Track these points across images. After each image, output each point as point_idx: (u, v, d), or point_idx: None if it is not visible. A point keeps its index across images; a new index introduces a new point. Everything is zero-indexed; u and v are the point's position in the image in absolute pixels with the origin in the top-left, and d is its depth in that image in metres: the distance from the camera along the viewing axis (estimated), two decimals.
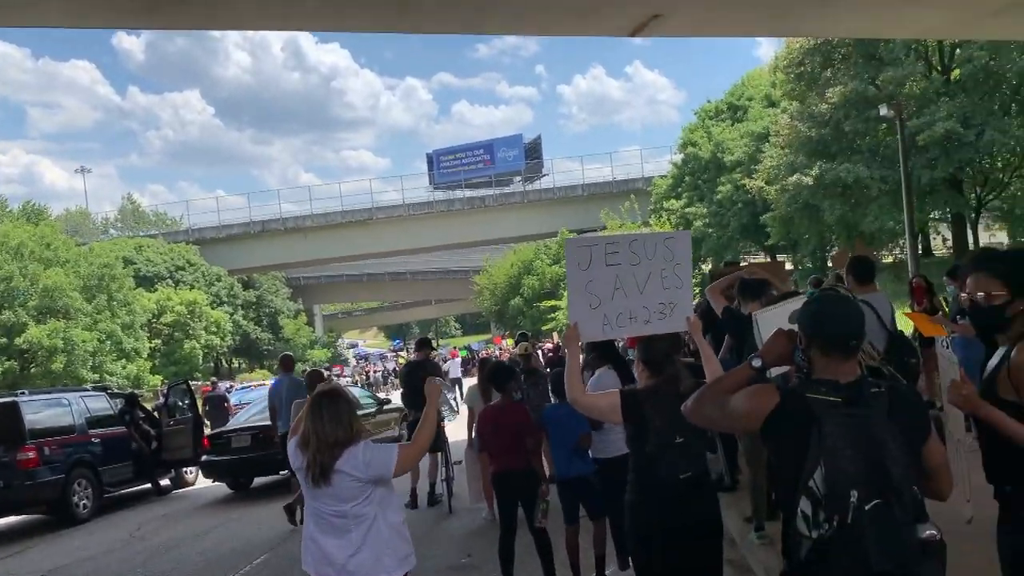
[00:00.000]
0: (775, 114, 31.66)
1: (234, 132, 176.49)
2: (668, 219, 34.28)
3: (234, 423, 14.64)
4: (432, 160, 59.88)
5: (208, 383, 22.73)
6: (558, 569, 5.79)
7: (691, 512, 3.70)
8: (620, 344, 8.75)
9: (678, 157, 40.11)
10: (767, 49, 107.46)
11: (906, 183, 19.09)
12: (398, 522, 3.60)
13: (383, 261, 69.60)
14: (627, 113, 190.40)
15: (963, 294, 2.99)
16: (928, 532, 2.25)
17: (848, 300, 2.65)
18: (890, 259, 29.35)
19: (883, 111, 19.90)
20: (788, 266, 38.81)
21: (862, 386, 2.35)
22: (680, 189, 37.78)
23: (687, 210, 35.52)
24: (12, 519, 12.51)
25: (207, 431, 14.60)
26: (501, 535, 5.88)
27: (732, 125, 36.52)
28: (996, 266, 2.81)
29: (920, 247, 26.04)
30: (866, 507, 2.17)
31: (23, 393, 12.75)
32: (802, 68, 27.26)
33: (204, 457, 13.14)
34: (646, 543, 3.75)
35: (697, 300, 10.95)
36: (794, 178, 25.82)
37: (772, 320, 4.17)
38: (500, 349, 33.29)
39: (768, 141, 30.34)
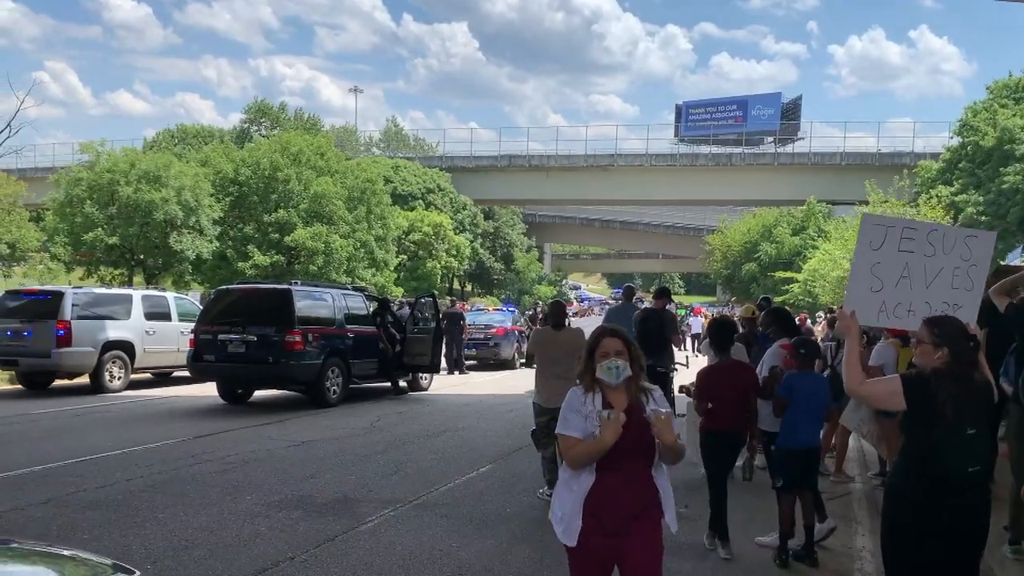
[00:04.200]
0: None
1: (493, 67, 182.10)
2: (936, 204, 31.31)
3: None
4: (681, 112, 58.46)
5: (449, 301, 24.09)
6: (758, 529, 5.71)
7: (970, 509, 3.49)
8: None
9: (954, 141, 36.36)
10: None
11: None
12: None
13: (617, 209, 69.73)
14: (903, 81, 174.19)
15: None
16: None
17: None
18: None
19: None
20: None
21: None
22: (952, 175, 34.34)
23: (957, 198, 32.27)
24: (274, 393, 14.20)
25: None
26: (714, 493, 5.91)
27: None
28: None
29: None
30: None
31: (296, 283, 14.23)
32: None
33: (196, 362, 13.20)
34: (915, 535, 3.53)
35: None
36: None
37: None
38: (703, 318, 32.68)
39: None
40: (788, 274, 39.98)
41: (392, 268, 37.45)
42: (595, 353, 3.37)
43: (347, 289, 15.70)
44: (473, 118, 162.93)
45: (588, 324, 18.63)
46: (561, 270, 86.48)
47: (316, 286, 15.10)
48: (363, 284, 26.68)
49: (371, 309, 14.85)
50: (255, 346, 12.63)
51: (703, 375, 6.10)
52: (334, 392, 13.24)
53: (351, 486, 7.66)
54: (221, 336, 12.87)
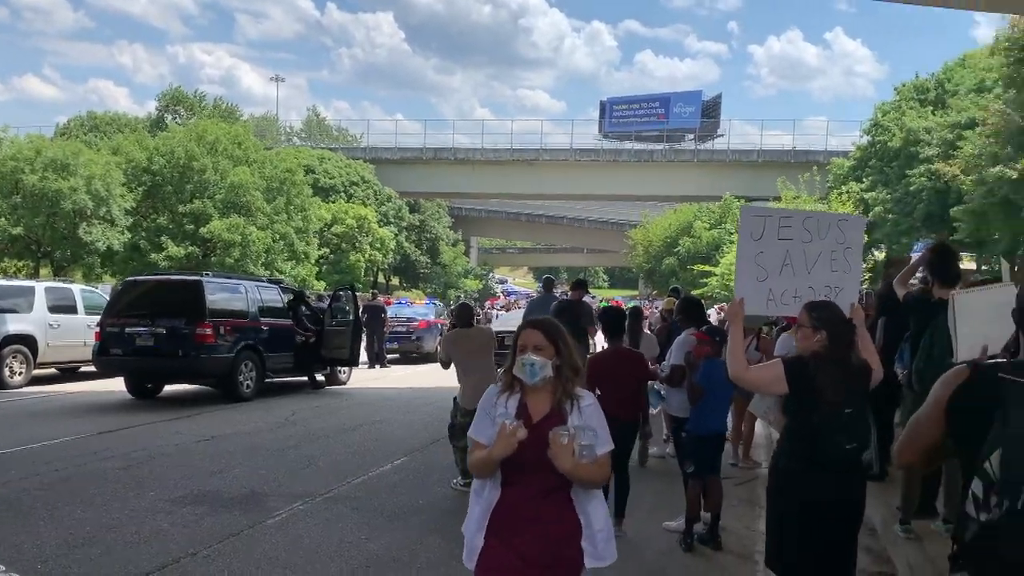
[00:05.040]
0: (985, 101, 29.07)
1: (420, 59, 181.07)
2: (848, 200, 32.42)
3: None
4: (605, 108, 59.07)
5: (370, 294, 23.84)
6: (665, 514, 5.86)
7: (849, 487, 3.64)
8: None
9: (864, 140, 37.72)
10: (985, 31, 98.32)
11: None
12: None
13: (543, 203, 70.17)
14: (819, 81, 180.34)
15: None
16: None
17: None
18: None
19: None
20: (971, 266, 36.02)
21: None
22: (863, 172, 35.60)
23: (867, 194, 33.47)
24: (185, 387, 13.80)
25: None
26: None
27: (934, 112, 33.84)
28: None
29: None
30: None
31: (207, 274, 13.85)
32: None
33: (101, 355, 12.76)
34: (797, 512, 3.66)
35: (870, 287, 10.46)
36: (996, 170, 23.72)
37: (970, 303, 3.95)
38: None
39: (971, 131, 27.96)
40: (706, 268, 40.82)
41: (313, 261, 36.86)
42: (516, 347, 2.94)
43: (262, 281, 15.36)
44: (399, 110, 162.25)
45: (515, 317, 18.69)
46: (487, 264, 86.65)
47: (229, 277, 14.73)
48: (280, 277, 26.17)
49: (287, 301, 14.56)
50: (164, 339, 12.25)
51: (593, 362, 6.17)
52: (248, 386, 12.95)
53: (260, 480, 7.50)
54: (129, 329, 12.44)
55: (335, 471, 7.97)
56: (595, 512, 2.89)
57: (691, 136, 54.55)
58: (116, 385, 13.45)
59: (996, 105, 26.29)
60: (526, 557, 2.79)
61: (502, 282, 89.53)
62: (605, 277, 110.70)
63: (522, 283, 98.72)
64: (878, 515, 6.38)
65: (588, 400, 2.93)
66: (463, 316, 7.75)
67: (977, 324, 3.72)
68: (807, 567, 3.65)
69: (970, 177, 25.98)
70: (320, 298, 19.33)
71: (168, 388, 13.63)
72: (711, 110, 55.98)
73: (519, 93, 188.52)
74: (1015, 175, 23.06)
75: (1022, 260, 19.65)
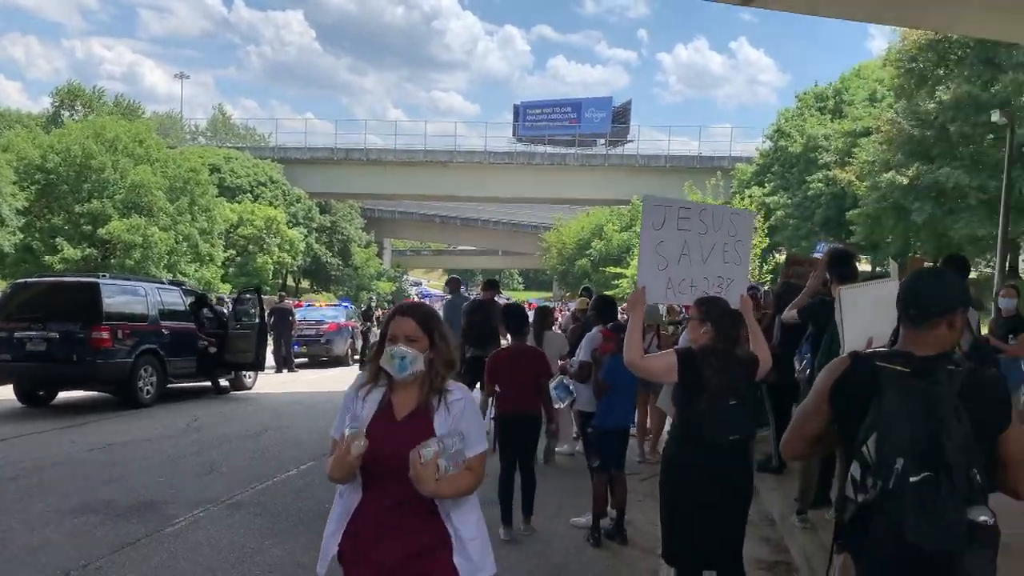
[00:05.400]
0: (879, 110, 30.53)
1: (331, 58, 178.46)
2: (750, 204, 33.54)
3: None
4: (518, 112, 59.46)
5: (277, 297, 23.31)
6: (573, 511, 5.96)
7: (734, 474, 3.79)
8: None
9: (766, 145, 39.11)
10: (879, 42, 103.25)
11: (1006, 195, 18.28)
12: None
13: (457, 205, 70.02)
14: (724, 89, 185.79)
15: None
16: (981, 517, 2.17)
17: (936, 275, 2.59)
18: (974, 275, 28.23)
19: (994, 117, 19.01)
20: (866, 268, 37.68)
21: (937, 362, 2.29)
22: (765, 178, 36.91)
23: (769, 199, 34.70)
24: (81, 394, 13.19)
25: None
26: (504, 474, 6.00)
27: (832, 120, 35.35)
28: None
29: (1007, 265, 25.01)
30: (911, 478, 2.13)
31: (104, 276, 13.28)
32: (914, 64, 26.21)
33: None
34: (684, 498, 3.80)
35: (771, 287, 10.82)
36: (888, 175, 24.97)
37: (855, 298, 4.12)
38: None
39: (866, 139, 29.33)
40: (617, 269, 41.54)
41: (219, 263, 35.84)
42: (387, 336, 2.62)
43: (161, 283, 14.83)
44: (310, 109, 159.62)
45: None
46: (401, 266, 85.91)
47: (127, 279, 14.17)
48: (183, 279, 25.34)
49: (189, 304, 14.10)
50: (57, 344, 11.68)
51: (492, 359, 6.23)
52: (147, 392, 12.48)
53: (159, 488, 7.23)
54: (18, 334, 11.80)
55: (238, 477, 7.74)
56: (465, 521, 2.59)
57: (602, 141, 55.45)
58: (5, 393, 12.75)
59: (888, 114, 27.66)
60: (383, 572, 2.51)
61: (416, 284, 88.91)
62: (520, 279, 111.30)
63: (437, 285, 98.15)
64: (776, 507, 6.60)
65: (458, 394, 2.63)
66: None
67: (862, 318, 3.88)
68: (698, 555, 3.78)
69: (864, 183, 27.27)
70: (220, 301, 18.73)
71: (62, 395, 13.00)
72: (621, 116, 57.06)
73: (433, 95, 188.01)
74: (906, 181, 24.32)
75: (910, 261, 20.67)
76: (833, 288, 5.81)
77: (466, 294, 12.75)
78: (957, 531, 2.13)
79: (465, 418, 2.60)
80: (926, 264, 12.87)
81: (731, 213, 4.30)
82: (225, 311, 15.17)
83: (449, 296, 11.69)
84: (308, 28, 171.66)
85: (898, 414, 2.20)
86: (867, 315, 3.79)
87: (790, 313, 6.13)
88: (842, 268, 5.69)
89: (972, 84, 23.66)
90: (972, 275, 27.85)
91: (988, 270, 25.43)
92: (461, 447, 2.50)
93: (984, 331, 8.13)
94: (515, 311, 6.70)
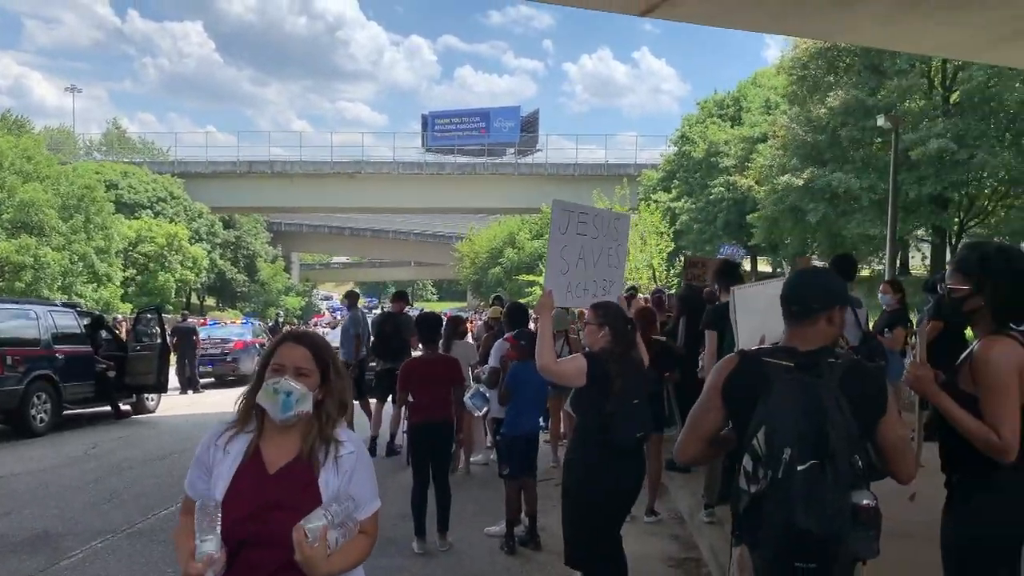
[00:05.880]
0: (774, 117, 31.73)
1: (232, 70, 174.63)
2: (656, 209, 34.37)
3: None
4: (427, 122, 59.35)
5: (180, 316, 22.56)
6: (488, 520, 5.94)
7: (638, 470, 4.02)
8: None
9: (671, 151, 40.12)
10: (775, 51, 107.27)
11: (893, 196, 19.23)
12: None
13: (366, 217, 69.35)
14: (629, 98, 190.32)
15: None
16: (864, 500, 2.29)
17: (815, 273, 2.72)
18: (867, 272, 29.61)
19: (880, 121, 20.00)
20: (767, 269, 39.06)
21: (819, 355, 2.40)
22: (671, 183, 37.87)
23: (674, 204, 35.60)
24: None
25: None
26: (417, 486, 5.97)
27: (732, 126, 36.54)
28: (967, 261, 2.87)
29: (898, 263, 26.31)
30: (799, 467, 2.23)
31: None
32: (806, 71, 27.34)
33: None
34: (587, 496, 3.93)
35: (677, 291, 11.12)
36: (784, 178, 25.95)
37: (748, 297, 4.26)
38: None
39: (763, 143, 30.44)
40: (530, 277, 41.87)
41: (118, 283, 34.47)
42: (268, 367, 2.14)
43: (54, 305, 14.15)
44: (211, 122, 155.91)
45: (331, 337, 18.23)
46: (310, 280, 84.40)
47: (17, 303, 13.47)
48: (78, 300, 24.27)
49: (85, 327, 13.49)
50: None
51: (405, 367, 6.22)
52: (41, 420, 11.87)
53: (54, 520, 6.88)
54: None
55: (140, 504, 7.44)
56: None
57: (511, 150, 55.83)
58: None
59: (783, 120, 28.77)
60: None
61: (327, 298, 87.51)
62: (433, 290, 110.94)
63: None
64: (685, 504, 6.76)
65: (349, 447, 2.18)
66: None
67: (755, 316, 4.01)
68: (603, 554, 3.88)
69: (763, 187, 28.26)
70: (116, 322, 17.97)
71: None
72: (530, 125, 57.61)
73: (339, 106, 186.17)
74: (801, 183, 25.31)
75: (798, 261, 21.52)
76: (722, 297, 6.12)
77: (364, 308, 12.52)
78: (842, 516, 2.23)
79: (358, 478, 2.16)
80: (813, 263, 13.47)
81: (613, 218, 4.43)
82: (124, 333, 14.60)
83: (348, 312, 11.38)
84: (207, 39, 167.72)
85: (784, 407, 2.30)
86: (759, 314, 3.92)
87: None
88: (728, 278, 5.98)
89: (860, 90, 24.82)
90: (865, 273, 29.24)
91: (880, 268, 26.67)
92: (352, 509, 2.09)
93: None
94: (427, 319, 6.69)
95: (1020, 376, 2.66)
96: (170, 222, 41.85)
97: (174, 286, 41.18)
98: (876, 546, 2.34)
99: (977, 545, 2.74)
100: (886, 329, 7.45)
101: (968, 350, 2.85)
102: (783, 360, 2.41)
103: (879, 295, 8.32)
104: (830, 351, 2.44)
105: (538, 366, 4.00)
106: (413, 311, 13.08)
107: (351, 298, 11.49)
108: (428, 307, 69.70)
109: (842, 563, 2.27)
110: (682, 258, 32.57)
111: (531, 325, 7.19)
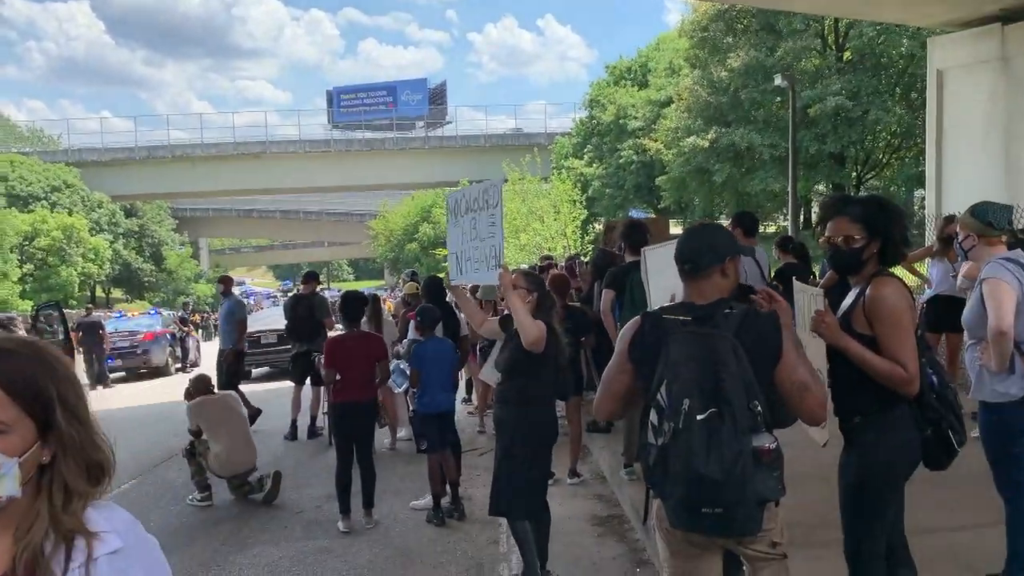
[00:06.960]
0: (678, 80, 32.21)
1: (125, 51, 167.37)
2: (568, 176, 34.59)
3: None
4: (332, 98, 58.26)
5: (83, 310, 21.65)
6: (414, 495, 5.97)
7: (556, 427, 4.56)
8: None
9: (583, 114, 40.34)
10: (675, 15, 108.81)
11: (793, 153, 19.81)
12: None
13: (275, 198, 67.78)
14: (537, 67, 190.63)
15: (823, 239, 3.13)
16: (765, 444, 2.37)
17: (702, 230, 2.78)
18: (773, 228, 30.59)
19: (777, 81, 20.53)
20: (677, 230, 39.78)
21: (715, 308, 2.49)
22: (583, 151, 38.15)
23: (586, 170, 35.90)
24: None
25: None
26: (341, 465, 5.97)
27: (639, 90, 36.95)
28: (854, 210, 2.98)
29: (802, 218, 27.21)
30: (698, 416, 2.31)
31: None
32: (706, 34, 27.80)
33: None
34: (525, 453, 4.37)
35: (592, 256, 11.25)
36: (690, 140, 26.45)
37: (658, 257, 4.34)
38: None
39: (669, 107, 30.90)
40: (447, 252, 41.85)
41: (15, 279, 32.85)
42: None
43: None
44: (105, 107, 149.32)
45: (260, 319, 17.73)
46: (221, 266, 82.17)
47: None
48: None
49: None
50: None
51: (331, 344, 6.17)
52: None
53: None
54: None
55: None
56: None
57: (420, 124, 55.28)
58: None
59: (686, 83, 29.24)
60: None
61: (240, 283, 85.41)
62: (350, 269, 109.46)
63: (261, 283, 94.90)
64: (606, 464, 6.90)
65: (113, 543, 1.33)
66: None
67: (665, 276, 4.10)
68: (531, 505, 4.38)
69: (671, 150, 28.73)
70: (11, 320, 17.08)
71: None
72: (438, 97, 57.18)
73: (239, 84, 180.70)
74: (706, 144, 25.85)
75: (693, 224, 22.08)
76: (627, 255, 6.26)
77: (279, 291, 12.26)
78: (742, 460, 2.31)
79: None
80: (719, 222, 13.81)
81: (486, 187, 4.50)
82: (22, 331, 13.92)
83: (224, 299, 10.94)
84: (95, 20, 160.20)
85: (683, 359, 2.38)
86: (670, 272, 4.01)
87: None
88: (632, 237, 6.12)
89: (758, 51, 25.41)
90: (772, 229, 30.19)
91: (786, 224, 27.54)
92: None
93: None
94: (350, 297, 6.61)
95: (912, 312, 2.82)
96: (68, 213, 40.03)
97: (77, 280, 39.51)
98: (780, 486, 2.44)
99: (874, 477, 2.91)
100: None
101: (856, 294, 2.98)
102: (680, 315, 2.50)
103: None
104: (726, 303, 2.52)
105: (531, 341, 4.13)
106: (331, 293, 12.83)
107: (226, 283, 11.14)
108: (346, 287, 68.91)
109: (747, 505, 2.35)
110: (595, 225, 33.04)
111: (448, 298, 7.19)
